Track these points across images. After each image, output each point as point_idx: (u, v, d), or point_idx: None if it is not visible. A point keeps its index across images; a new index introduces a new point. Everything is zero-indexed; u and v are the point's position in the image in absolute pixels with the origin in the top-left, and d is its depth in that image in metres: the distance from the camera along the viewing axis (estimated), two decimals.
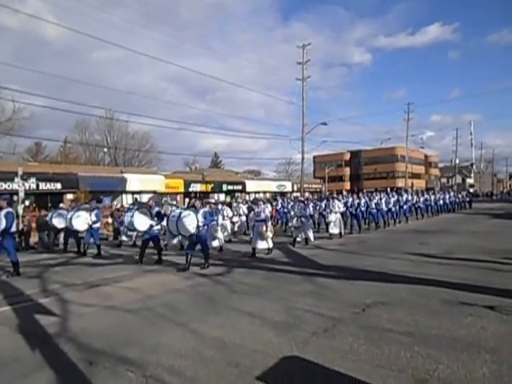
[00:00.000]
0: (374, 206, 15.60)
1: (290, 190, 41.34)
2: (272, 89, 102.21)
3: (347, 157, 62.00)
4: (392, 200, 16.74)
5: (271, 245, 10.05)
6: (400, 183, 51.42)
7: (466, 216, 21.84)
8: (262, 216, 10.11)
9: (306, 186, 33.89)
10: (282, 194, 33.10)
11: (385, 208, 16.03)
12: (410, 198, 19.66)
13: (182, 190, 30.32)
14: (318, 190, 44.84)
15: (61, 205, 13.40)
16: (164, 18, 72.79)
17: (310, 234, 11.69)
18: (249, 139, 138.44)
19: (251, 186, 37.40)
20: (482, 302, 4.84)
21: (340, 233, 13.24)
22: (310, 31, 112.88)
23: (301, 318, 4.58)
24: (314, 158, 62.63)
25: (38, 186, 21.13)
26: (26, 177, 17.05)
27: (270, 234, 9.89)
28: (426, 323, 4.22)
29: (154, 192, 27.06)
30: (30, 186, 19.87)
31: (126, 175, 26.69)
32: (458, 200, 26.32)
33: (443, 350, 3.46)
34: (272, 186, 40.15)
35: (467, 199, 28.93)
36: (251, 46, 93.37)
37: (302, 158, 29.64)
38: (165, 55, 79.21)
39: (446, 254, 8.72)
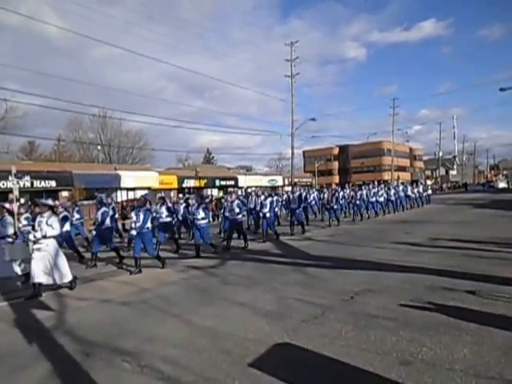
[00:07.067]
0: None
1: (281, 184, 41.63)
2: (269, 86, 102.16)
3: (336, 151, 62.45)
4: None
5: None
6: (386, 176, 52.10)
7: (448, 207, 22.22)
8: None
9: (296, 180, 34.20)
10: (273, 189, 33.29)
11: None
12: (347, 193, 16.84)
13: (175, 186, 30.40)
14: (308, 183, 45.23)
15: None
16: (163, 17, 71.85)
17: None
18: (243, 136, 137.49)
19: (243, 181, 37.50)
20: (464, 287, 5.02)
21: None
22: (307, 28, 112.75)
23: (291, 306, 4.71)
24: (304, 152, 62.98)
25: (32, 184, 21.16)
26: (20, 175, 16.99)
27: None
28: (411, 309, 4.37)
29: (149, 188, 27.06)
30: (24, 184, 19.84)
31: (119, 172, 26.71)
32: (414, 195, 21.71)
33: (426, 334, 3.61)
34: (263, 181, 40.31)
35: (425, 194, 23.95)
36: (249, 44, 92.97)
37: (292, 153, 30.05)
38: (163, 53, 78.50)
39: (430, 243, 8.96)
